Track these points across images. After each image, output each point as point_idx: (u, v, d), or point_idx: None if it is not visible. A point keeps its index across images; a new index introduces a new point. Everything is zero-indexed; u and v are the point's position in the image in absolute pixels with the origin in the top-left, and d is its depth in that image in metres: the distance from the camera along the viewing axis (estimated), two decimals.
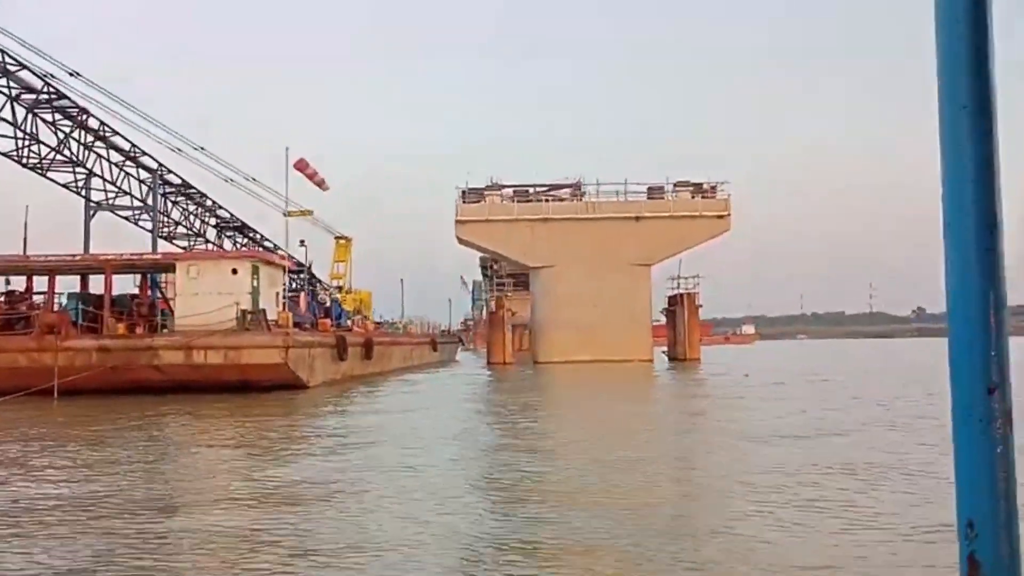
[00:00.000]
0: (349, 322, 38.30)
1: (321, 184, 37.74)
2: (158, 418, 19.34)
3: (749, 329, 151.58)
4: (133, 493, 9.49)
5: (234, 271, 27.91)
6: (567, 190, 50.48)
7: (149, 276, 31.07)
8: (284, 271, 31.59)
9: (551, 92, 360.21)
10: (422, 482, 9.92)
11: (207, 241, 39.92)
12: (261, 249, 40.12)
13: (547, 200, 49.71)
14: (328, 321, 34.55)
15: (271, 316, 28.01)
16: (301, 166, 35.27)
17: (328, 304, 37.48)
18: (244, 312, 26.89)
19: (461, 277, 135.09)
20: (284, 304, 30.21)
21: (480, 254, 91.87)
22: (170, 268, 28.77)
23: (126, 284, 32.87)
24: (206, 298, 27.27)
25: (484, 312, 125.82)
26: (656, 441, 14.34)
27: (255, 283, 28.20)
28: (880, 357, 57.92)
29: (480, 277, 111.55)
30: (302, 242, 36.42)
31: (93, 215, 32.87)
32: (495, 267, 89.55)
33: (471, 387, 31.72)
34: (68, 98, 28.35)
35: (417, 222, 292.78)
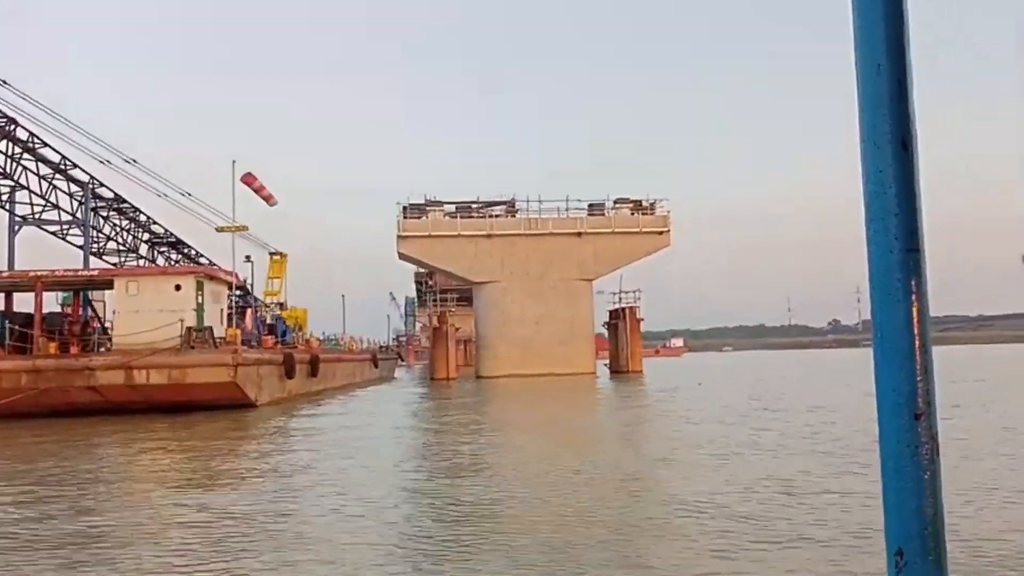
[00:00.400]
0: (292, 338, 37.27)
1: (269, 199, 36.71)
2: (93, 444, 18.13)
3: (678, 342, 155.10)
4: (50, 532, 8.44)
5: (177, 287, 26.84)
6: (501, 207, 50.49)
7: (82, 293, 29.55)
8: (229, 287, 30.54)
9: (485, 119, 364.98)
10: (377, 509, 9.45)
11: (140, 257, 38.27)
12: (195, 265, 38.72)
13: (487, 216, 49.69)
14: (271, 338, 33.54)
15: (218, 333, 27.00)
16: (249, 180, 34.27)
17: (272, 321, 36.37)
18: (190, 329, 25.85)
19: (390, 293, 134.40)
20: (233, 320, 29.17)
21: (416, 269, 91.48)
22: (108, 285, 27.42)
23: (47, 302, 31.07)
24: (148, 315, 26.10)
25: (417, 327, 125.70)
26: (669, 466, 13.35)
27: (199, 299, 27.17)
28: (814, 367, 60.00)
29: (413, 293, 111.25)
30: (248, 257, 35.30)
31: (18, 230, 31.06)
32: (430, 283, 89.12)
33: (421, 404, 31.21)
34: None
35: (346, 239, 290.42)
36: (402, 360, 78.75)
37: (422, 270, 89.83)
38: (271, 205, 37.65)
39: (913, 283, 1.15)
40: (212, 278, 28.20)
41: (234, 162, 31.93)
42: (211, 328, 26.60)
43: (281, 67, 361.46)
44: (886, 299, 1.16)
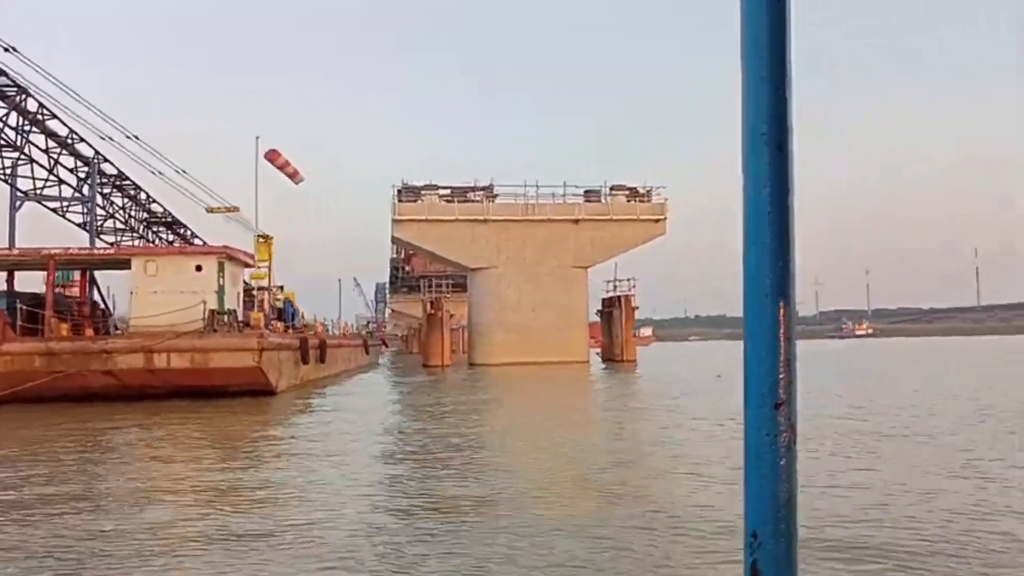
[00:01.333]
0: (299, 323, 36.56)
1: (294, 176, 35.60)
2: (113, 432, 16.87)
3: (647, 331, 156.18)
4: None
5: (198, 268, 26.01)
6: (480, 192, 49.72)
7: (89, 273, 28.48)
8: (245, 268, 29.72)
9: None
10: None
11: (139, 236, 37.09)
12: (187, 245, 37.66)
13: (481, 200, 49.12)
14: (280, 323, 32.83)
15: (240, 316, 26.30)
16: (272, 156, 33.23)
17: (280, 305, 35.60)
18: (213, 312, 25.11)
19: (354, 279, 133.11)
20: (254, 304, 28.43)
21: (391, 255, 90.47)
22: (124, 264, 26.42)
23: (31, 282, 29.66)
24: (167, 297, 25.28)
25: (387, 313, 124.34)
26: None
27: (220, 281, 26.39)
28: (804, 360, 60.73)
29: (384, 279, 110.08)
30: (262, 237, 34.20)
31: (19, 206, 29.78)
32: (407, 268, 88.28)
33: (430, 393, 30.52)
34: (7, 76, 25.56)
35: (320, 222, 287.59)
36: (385, 346, 78.39)
37: (395, 256, 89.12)
38: (296, 183, 36.58)
39: (782, 280, 1.20)
40: (232, 259, 27.39)
41: (257, 138, 31.07)
42: (235, 311, 25.88)
43: (275, 61, 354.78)
44: (756, 294, 1.21)
